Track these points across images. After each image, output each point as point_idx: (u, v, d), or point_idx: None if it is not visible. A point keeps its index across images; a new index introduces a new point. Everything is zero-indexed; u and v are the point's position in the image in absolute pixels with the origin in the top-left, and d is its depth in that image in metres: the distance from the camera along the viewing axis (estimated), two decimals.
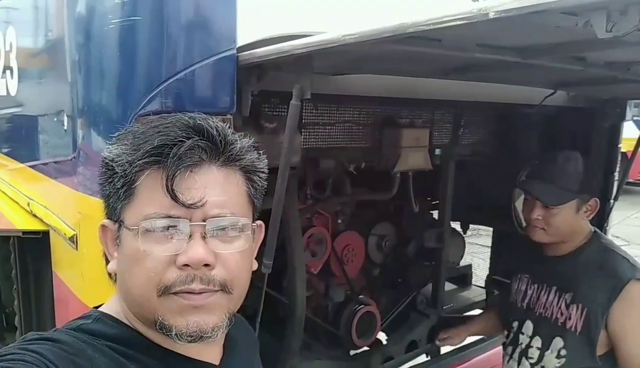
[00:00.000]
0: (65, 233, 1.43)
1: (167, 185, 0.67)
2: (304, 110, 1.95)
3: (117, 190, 0.71)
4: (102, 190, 0.75)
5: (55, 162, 1.56)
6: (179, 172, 0.67)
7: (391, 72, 1.74)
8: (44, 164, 1.66)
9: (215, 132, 0.70)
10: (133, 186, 0.69)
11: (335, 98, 1.95)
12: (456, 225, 3.00)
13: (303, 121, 1.96)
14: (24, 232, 1.65)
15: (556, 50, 1.24)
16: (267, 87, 1.33)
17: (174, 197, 0.67)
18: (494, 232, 3.31)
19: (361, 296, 2.51)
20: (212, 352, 0.80)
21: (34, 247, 1.97)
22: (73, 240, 1.38)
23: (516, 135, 2.74)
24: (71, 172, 1.42)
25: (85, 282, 1.35)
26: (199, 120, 0.71)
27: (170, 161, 0.67)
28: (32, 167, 1.80)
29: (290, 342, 2.06)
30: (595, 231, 1.82)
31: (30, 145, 1.83)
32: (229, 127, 0.74)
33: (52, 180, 1.57)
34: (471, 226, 3.23)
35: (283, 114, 1.79)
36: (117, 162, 0.70)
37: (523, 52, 1.24)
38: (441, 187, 2.58)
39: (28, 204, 1.75)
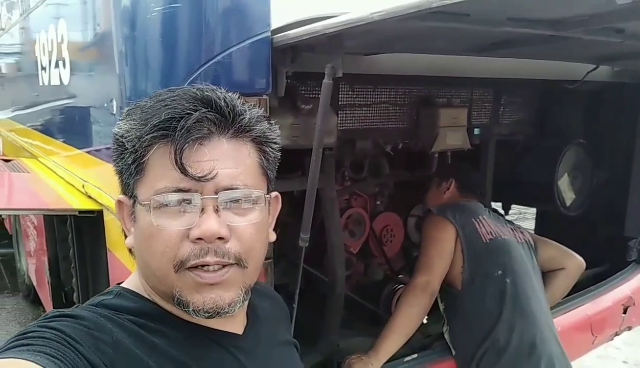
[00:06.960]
0: None
1: (175, 159, 0.66)
2: (340, 92, 1.97)
3: (128, 166, 0.70)
4: (115, 166, 0.74)
5: (107, 148, 1.67)
6: (187, 145, 0.65)
7: (423, 50, 1.74)
8: (97, 150, 1.77)
9: (223, 103, 0.68)
10: (143, 161, 0.69)
11: (371, 78, 1.97)
12: (498, 206, 2.97)
13: (339, 103, 1.99)
14: (80, 212, 1.76)
15: (590, 22, 1.22)
16: (301, 68, 1.36)
17: (183, 171, 0.66)
18: (537, 212, 3.26)
19: (400, 275, 2.54)
20: (234, 323, 0.79)
21: (89, 228, 2.10)
22: None
23: (558, 113, 2.68)
24: None
25: None
26: (207, 91, 0.69)
27: (178, 134, 0.65)
28: (87, 152, 1.91)
29: (331, 318, 2.12)
30: None
31: (85, 132, 1.94)
32: (251, 105, 0.73)
33: (106, 164, 1.67)
34: (517, 209, 3.16)
35: (319, 95, 1.82)
36: (126, 137, 0.69)
37: (556, 24, 1.23)
38: (481, 167, 2.56)
39: (83, 186, 1.87)
